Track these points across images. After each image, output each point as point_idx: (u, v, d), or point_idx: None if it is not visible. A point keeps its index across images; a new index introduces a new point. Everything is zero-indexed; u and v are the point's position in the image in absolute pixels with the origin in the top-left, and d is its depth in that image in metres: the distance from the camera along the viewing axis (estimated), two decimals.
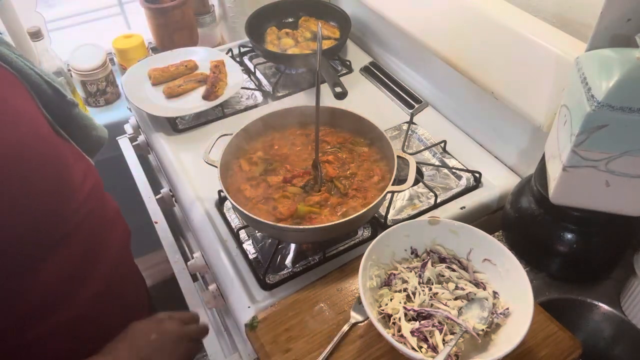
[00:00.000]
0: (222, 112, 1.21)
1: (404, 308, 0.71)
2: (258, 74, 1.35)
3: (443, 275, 0.77)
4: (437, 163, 1.07)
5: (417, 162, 0.94)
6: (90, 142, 0.94)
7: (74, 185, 0.76)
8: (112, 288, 0.83)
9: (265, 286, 0.84)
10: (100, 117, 1.51)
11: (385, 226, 0.92)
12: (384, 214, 0.94)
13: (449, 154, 1.08)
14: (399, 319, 0.70)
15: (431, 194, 0.97)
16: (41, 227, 0.69)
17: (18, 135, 0.66)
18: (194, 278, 1.09)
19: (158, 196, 1.24)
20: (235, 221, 0.96)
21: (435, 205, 0.96)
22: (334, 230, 0.81)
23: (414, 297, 0.73)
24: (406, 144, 1.10)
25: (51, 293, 0.73)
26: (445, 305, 0.72)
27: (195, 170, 1.07)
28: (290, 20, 1.46)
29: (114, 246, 0.85)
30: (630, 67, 0.59)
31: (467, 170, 1.02)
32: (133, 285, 0.93)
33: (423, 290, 0.74)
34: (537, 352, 0.72)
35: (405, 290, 0.74)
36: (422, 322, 0.70)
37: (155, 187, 1.27)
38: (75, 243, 0.75)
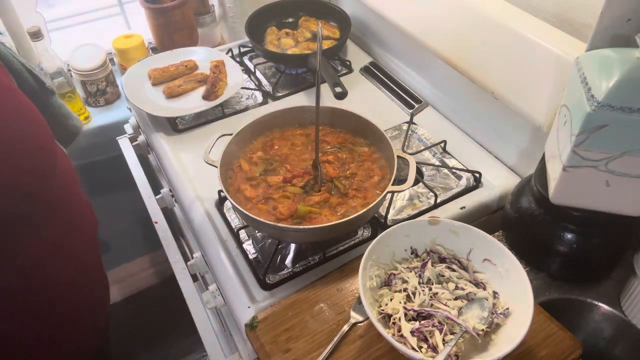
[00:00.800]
0: (222, 112, 1.21)
1: (404, 308, 0.71)
2: (258, 74, 1.35)
3: (443, 275, 0.77)
4: (437, 163, 1.07)
5: (417, 162, 0.94)
6: (65, 131, 0.97)
7: (57, 156, 0.78)
8: (81, 275, 0.85)
9: (265, 286, 0.84)
10: (100, 117, 1.51)
11: (385, 226, 0.92)
12: (384, 214, 0.94)
13: (449, 154, 1.08)
14: (399, 319, 0.70)
15: (431, 194, 0.97)
16: (26, 189, 0.70)
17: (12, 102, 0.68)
18: (194, 278, 1.09)
19: (158, 196, 1.24)
20: (235, 221, 0.96)
21: (435, 205, 0.96)
22: (334, 230, 0.81)
23: (414, 297, 0.73)
24: (406, 144, 1.10)
25: (32, 269, 0.74)
26: (445, 305, 0.72)
27: (195, 170, 1.07)
28: (290, 20, 1.46)
29: (85, 233, 0.87)
30: (630, 67, 0.59)
31: (467, 170, 1.02)
32: (98, 277, 0.95)
33: (423, 290, 0.74)
34: (537, 352, 0.72)
35: (405, 290, 0.74)
36: (422, 322, 0.70)
37: (155, 187, 1.27)
38: (53, 223, 0.76)
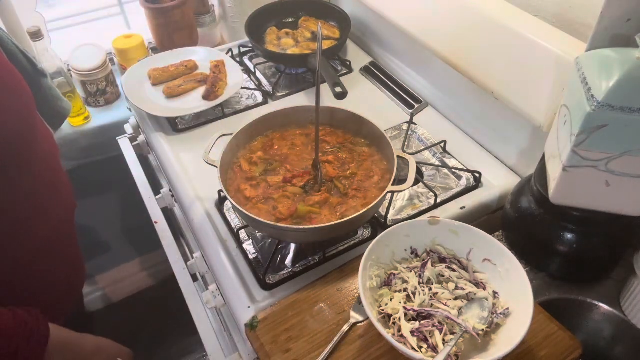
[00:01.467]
0: (222, 112, 1.21)
1: (404, 308, 0.71)
2: (258, 74, 1.35)
3: (443, 275, 0.77)
4: (437, 163, 1.07)
5: (417, 162, 0.94)
6: (54, 112, 1.00)
7: (37, 124, 0.79)
8: (52, 248, 0.85)
9: (265, 286, 0.84)
10: (100, 117, 1.51)
11: (385, 226, 0.92)
12: (384, 214, 0.94)
13: (449, 154, 1.08)
14: (399, 319, 0.70)
15: (431, 194, 0.97)
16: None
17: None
18: (194, 278, 1.09)
19: (158, 196, 1.24)
20: (235, 221, 0.96)
21: (435, 205, 0.96)
22: (334, 230, 0.81)
23: (414, 297, 0.73)
24: (406, 144, 1.10)
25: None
26: (445, 305, 0.72)
27: (195, 170, 1.07)
28: (290, 20, 1.46)
29: (60, 208, 0.87)
30: (630, 67, 0.59)
31: (467, 170, 1.02)
32: (70, 257, 0.95)
33: (423, 290, 0.74)
34: (537, 352, 0.72)
35: (405, 290, 0.74)
36: (422, 322, 0.70)
37: (155, 187, 1.27)
38: (26, 187, 0.77)
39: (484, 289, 0.75)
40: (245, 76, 1.32)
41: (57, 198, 0.86)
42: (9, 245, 0.76)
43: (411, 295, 0.74)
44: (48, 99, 0.97)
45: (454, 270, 0.78)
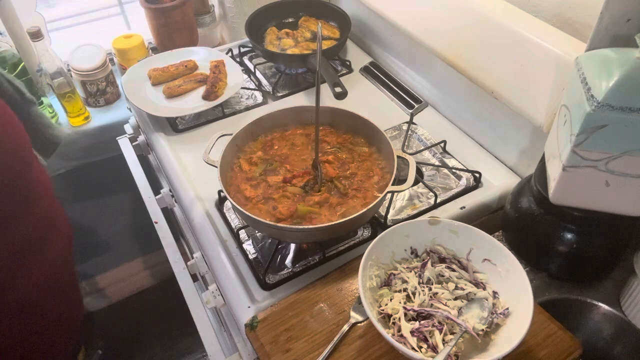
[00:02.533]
0: (222, 112, 1.21)
1: (404, 308, 0.71)
2: (258, 74, 1.35)
3: (443, 275, 0.77)
4: (437, 163, 1.07)
5: (417, 162, 0.94)
6: (45, 140, 0.98)
7: (33, 157, 0.79)
8: (52, 282, 0.84)
9: (265, 286, 0.85)
10: (100, 117, 1.51)
11: (385, 226, 0.92)
12: (384, 214, 0.94)
13: (449, 154, 1.08)
14: (399, 319, 0.70)
15: (431, 194, 0.97)
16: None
17: None
18: (194, 278, 1.09)
19: (158, 196, 1.24)
20: (235, 221, 0.96)
21: (435, 205, 0.96)
22: (334, 230, 0.81)
23: (414, 297, 0.73)
24: (406, 144, 1.10)
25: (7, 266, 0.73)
26: (445, 305, 0.72)
27: (195, 170, 1.07)
28: (290, 20, 1.46)
29: (58, 242, 0.87)
30: (630, 67, 0.59)
31: (467, 170, 1.02)
32: (69, 287, 0.94)
33: (423, 290, 0.74)
34: (537, 352, 0.72)
35: (405, 290, 0.74)
36: (422, 322, 0.70)
37: (155, 187, 1.27)
38: (31, 221, 0.76)
39: (484, 289, 0.75)
40: (245, 76, 1.32)
41: (54, 231, 0.86)
42: (9, 284, 0.75)
43: (411, 295, 0.74)
44: (38, 128, 0.95)
45: (453, 270, 0.78)
